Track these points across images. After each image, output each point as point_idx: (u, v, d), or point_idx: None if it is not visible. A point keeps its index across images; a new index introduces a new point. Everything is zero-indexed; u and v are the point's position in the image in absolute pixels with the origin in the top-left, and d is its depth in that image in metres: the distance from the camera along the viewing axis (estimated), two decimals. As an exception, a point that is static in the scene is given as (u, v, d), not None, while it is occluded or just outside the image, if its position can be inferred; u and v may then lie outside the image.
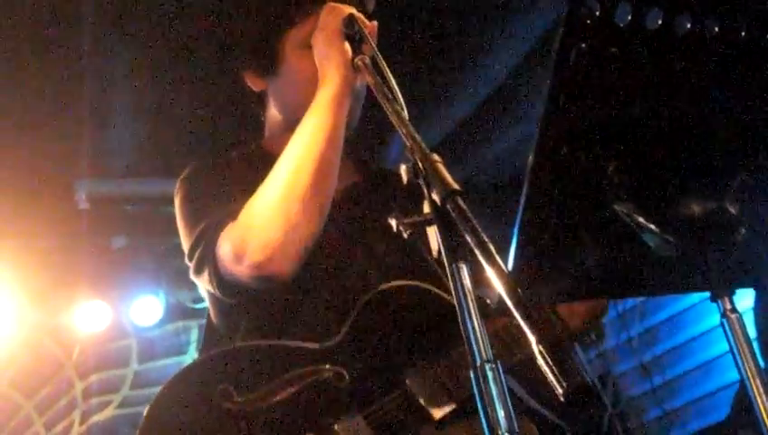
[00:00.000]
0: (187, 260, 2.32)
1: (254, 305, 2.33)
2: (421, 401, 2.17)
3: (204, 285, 2.30)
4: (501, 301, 1.33)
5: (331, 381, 2.15)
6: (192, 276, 2.32)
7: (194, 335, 6.48)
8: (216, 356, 2.23)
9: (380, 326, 2.25)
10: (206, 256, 2.24)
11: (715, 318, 1.76)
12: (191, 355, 6.42)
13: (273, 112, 2.59)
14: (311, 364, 2.17)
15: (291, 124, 2.41)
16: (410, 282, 2.31)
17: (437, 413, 2.16)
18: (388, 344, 2.24)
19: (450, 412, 2.16)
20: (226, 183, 2.37)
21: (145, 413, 2.07)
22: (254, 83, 2.58)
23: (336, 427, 2.10)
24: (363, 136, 2.55)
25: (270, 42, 2.50)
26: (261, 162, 2.38)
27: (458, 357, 2.22)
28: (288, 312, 2.31)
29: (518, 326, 1.30)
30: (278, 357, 2.18)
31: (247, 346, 2.26)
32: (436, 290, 2.29)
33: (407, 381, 2.20)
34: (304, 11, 2.43)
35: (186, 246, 2.33)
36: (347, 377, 2.16)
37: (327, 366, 2.17)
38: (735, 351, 1.72)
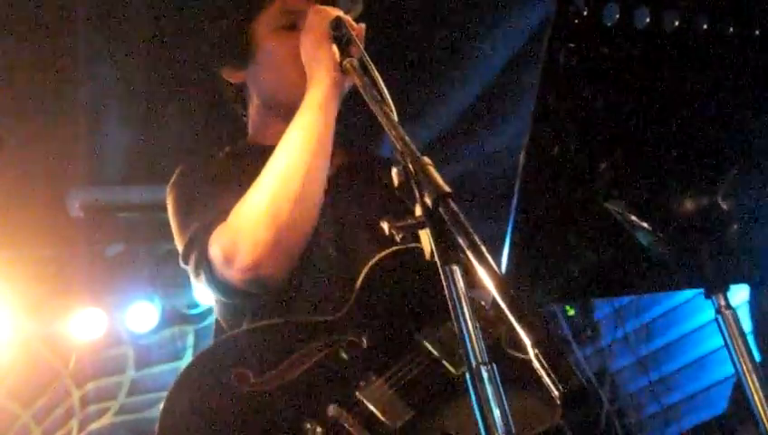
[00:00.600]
0: (182, 263, 2.31)
1: (258, 299, 2.31)
2: (440, 357, 2.16)
3: (204, 287, 2.29)
4: (494, 303, 1.33)
5: (346, 350, 2.13)
6: (192, 280, 2.32)
7: (190, 341, 6.47)
8: (227, 341, 2.20)
9: (388, 290, 2.23)
10: (200, 260, 2.23)
11: (710, 313, 1.76)
12: (188, 361, 6.39)
13: (256, 102, 2.58)
14: (323, 336, 2.14)
15: (275, 108, 2.43)
16: (411, 244, 2.29)
17: (458, 368, 2.15)
18: (398, 307, 2.22)
19: None
20: (215, 183, 2.35)
21: (162, 408, 2.02)
22: (232, 77, 2.57)
23: (358, 393, 2.08)
24: (356, 132, 2.54)
25: (242, 30, 2.50)
26: (249, 156, 2.38)
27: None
28: (293, 289, 2.29)
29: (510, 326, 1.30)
30: (290, 334, 2.15)
31: (257, 327, 2.22)
32: None
33: (422, 341, 2.18)
34: None
35: (180, 249, 2.33)
36: (361, 344, 2.15)
37: (340, 336, 2.15)
38: (731, 347, 1.72)
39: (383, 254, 2.26)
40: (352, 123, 2.52)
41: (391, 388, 2.11)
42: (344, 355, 2.13)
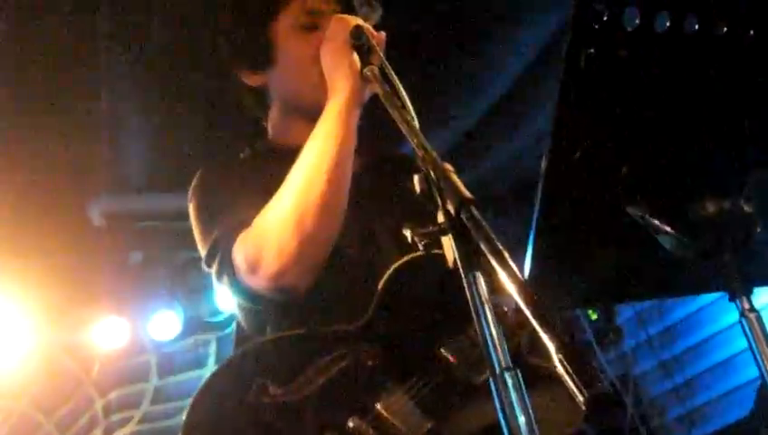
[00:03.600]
0: (205, 267, 2.32)
1: (280, 304, 2.31)
2: (460, 367, 2.15)
3: (227, 291, 2.30)
4: (518, 309, 1.33)
5: (365, 362, 2.12)
6: (215, 282, 2.32)
7: (212, 348, 6.48)
8: (247, 352, 2.20)
9: (408, 299, 2.22)
10: (224, 265, 2.24)
11: (734, 315, 1.75)
12: (210, 368, 6.42)
13: (277, 104, 2.57)
14: (343, 347, 2.14)
15: (297, 109, 2.43)
16: (431, 251, 2.28)
17: (478, 378, 2.14)
18: (418, 316, 2.22)
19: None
20: (238, 185, 2.36)
21: (184, 418, 2.04)
22: (252, 80, 2.55)
23: (378, 406, 2.07)
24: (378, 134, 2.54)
25: (262, 33, 2.49)
26: (273, 157, 2.38)
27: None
28: (313, 299, 2.28)
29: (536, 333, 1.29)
30: (309, 344, 2.15)
31: (277, 338, 2.23)
32: None
33: (442, 350, 2.18)
34: None
35: (202, 253, 2.33)
36: (381, 355, 2.14)
37: (359, 347, 2.14)
38: (755, 350, 1.71)
39: (402, 262, 2.25)
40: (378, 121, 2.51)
41: (411, 399, 2.10)
42: (364, 367, 2.13)
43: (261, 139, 2.64)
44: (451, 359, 2.16)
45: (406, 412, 2.08)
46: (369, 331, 2.18)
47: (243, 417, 2.03)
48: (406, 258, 2.25)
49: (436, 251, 2.21)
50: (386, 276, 2.23)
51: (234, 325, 2.57)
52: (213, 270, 2.29)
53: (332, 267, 2.26)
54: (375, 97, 2.17)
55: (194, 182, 2.45)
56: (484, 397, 2.12)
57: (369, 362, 2.13)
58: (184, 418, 2.04)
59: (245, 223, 2.21)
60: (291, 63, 2.48)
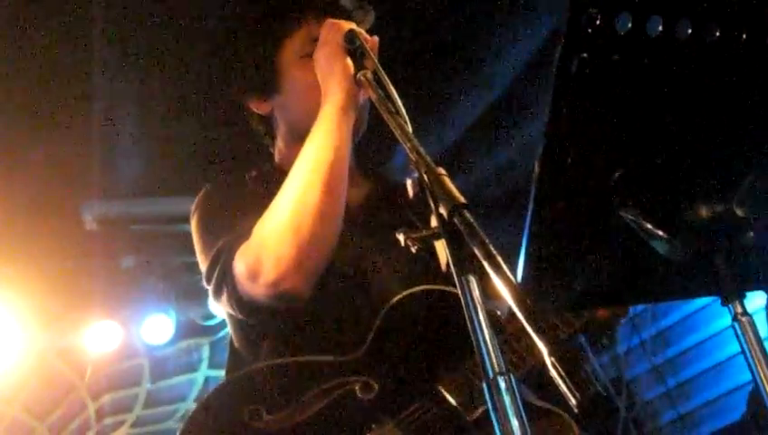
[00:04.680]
0: (204, 283, 2.32)
1: (276, 324, 2.32)
2: (453, 402, 2.17)
3: (224, 307, 2.30)
4: (511, 313, 1.33)
5: (359, 392, 2.15)
6: (212, 300, 2.32)
7: (205, 352, 6.48)
8: (242, 377, 2.23)
9: (405, 332, 2.24)
10: (224, 278, 2.24)
11: (727, 319, 1.75)
12: (203, 372, 6.42)
13: (283, 130, 2.58)
14: (338, 377, 2.16)
15: (302, 136, 2.43)
16: (431, 286, 2.29)
17: (472, 414, 2.15)
18: (415, 350, 2.24)
19: (484, 411, 2.15)
20: (241, 204, 2.36)
21: None
22: (259, 108, 2.56)
23: None
24: (368, 146, 2.54)
25: (268, 61, 2.50)
26: (277, 181, 2.39)
27: None
28: (310, 327, 2.30)
29: (528, 336, 1.29)
30: (304, 373, 2.18)
31: (272, 365, 2.25)
32: (456, 290, 2.27)
33: (437, 385, 2.19)
34: (295, 21, 2.44)
35: (203, 267, 2.33)
36: (375, 386, 2.16)
37: (354, 377, 2.16)
38: (748, 354, 1.71)
39: (403, 294, 2.27)
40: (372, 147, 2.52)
41: (402, 432, 2.11)
42: (357, 397, 2.15)
43: (268, 162, 2.64)
44: (445, 394, 2.17)
45: None
46: (365, 361, 2.21)
47: None
48: (405, 292, 2.26)
49: (436, 287, 2.25)
50: (384, 309, 2.25)
51: (228, 333, 2.56)
52: (211, 286, 2.30)
53: (331, 291, 2.27)
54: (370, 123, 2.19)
55: (198, 198, 2.46)
56: (476, 433, 2.14)
57: (363, 394, 2.15)
58: None
59: (245, 236, 2.21)
60: (296, 91, 2.48)
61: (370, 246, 2.45)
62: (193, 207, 2.44)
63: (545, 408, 2.21)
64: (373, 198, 2.59)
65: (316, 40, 2.41)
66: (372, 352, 2.21)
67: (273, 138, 2.62)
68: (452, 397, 2.17)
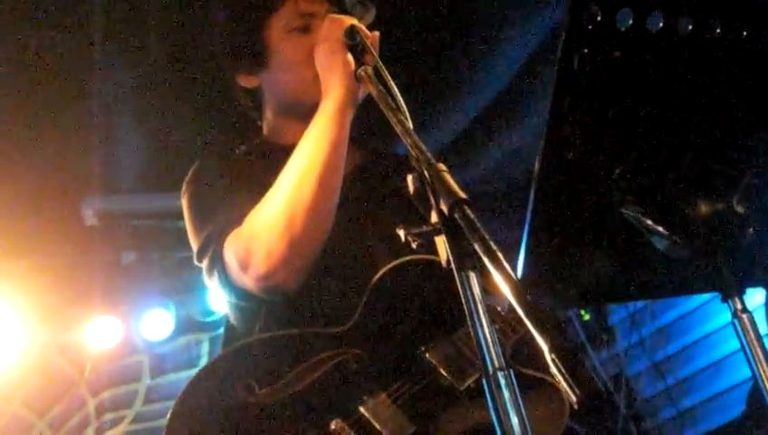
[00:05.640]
0: (196, 261, 2.34)
1: (268, 302, 2.32)
2: (444, 372, 2.17)
3: (216, 288, 2.31)
4: (511, 308, 1.33)
5: (350, 364, 2.15)
6: (205, 279, 2.33)
7: (205, 348, 6.48)
8: (235, 351, 2.22)
9: (394, 303, 2.25)
10: (215, 263, 2.25)
11: (727, 315, 1.76)
12: (203, 368, 6.42)
13: (272, 104, 2.59)
14: (329, 350, 2.16)
15: (291, 110, 2.46)
16: (419, 256, 2.28)
17: (462, 383, 2.16)
18: (404, 320, 2.24)
19: (475, 381, 2.16)
20: (231, 182, 2.38)
21: (169, 416, 2.05)
22: (247, 82, 2.58)
23: (361, 408, 2.09)
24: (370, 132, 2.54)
25: (255, 35, 2.51)
26: (266, 155, 2.40)
27: None
28: (302, 300, 2.30)
29: (531, 337, 1.29)
30: (295, 346, 2.17)
31: (264, 338, 2.25)
32: None
33: (427, 355, 2.20)
34: None
35: (194, 248, 2.35)
36: (366, 358, 2.16)
37: (345, 349, 2.17)
38: (748, 350, 1.72)
39: (389, 267, 2.27)
40: (367, 123, 2.51)
41: (394, 402, 2.12)
42: (349, 369, 2.15)
43: (257, 137, 2.65)
44: (436, 364, 2.18)
45: (388, 416, 2.10)
46: (355, 334, 2.20)
47: (227, 415, 2.05)
48: (393, 263, 2.27)
49: (424, 256, 2.24)
50: (373, 281, 2.25)
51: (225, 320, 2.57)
52: (204, 265, 2.31)
53: (322, 266, 2.27)
54: (369, 97, 2.18)
55: (188, 176, 2.47)
56: (467, 402, 2.15)
57: (354, 365, 2.15)
58: (168, 415, 2.05)
59: (237, 221, 2.22)
60: (284, 65, 2.49)
61: (360, 217, 2.46)
62: (183, 186, 2.45)
63: (537, 377, 2.22)
64: (365, 168, 2.60)
65: (304, 15, 2.46)
66: (362, 324, 2.21)
67: (262, 111, 2.64)
68: (442, 367, 2.17)
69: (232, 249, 2.20)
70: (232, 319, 2.48)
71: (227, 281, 2.25)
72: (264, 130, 2.64)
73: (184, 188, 2.46)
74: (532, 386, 2.19)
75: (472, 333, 1.44)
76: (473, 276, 1.45)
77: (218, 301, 5.82)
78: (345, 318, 2.23)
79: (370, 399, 2.11)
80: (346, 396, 2.11)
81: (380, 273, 2.26)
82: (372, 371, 2.16)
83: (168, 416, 2.05)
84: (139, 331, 6.01)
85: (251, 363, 2.13)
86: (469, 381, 2.17)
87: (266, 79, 2.56)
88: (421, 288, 2.27)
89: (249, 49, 2.52)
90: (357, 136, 2.55)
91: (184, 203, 2.43)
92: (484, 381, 1.40)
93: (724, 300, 1.75)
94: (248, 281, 2.18)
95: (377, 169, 2.64)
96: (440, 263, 2.24)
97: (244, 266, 2.17)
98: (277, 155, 2.31)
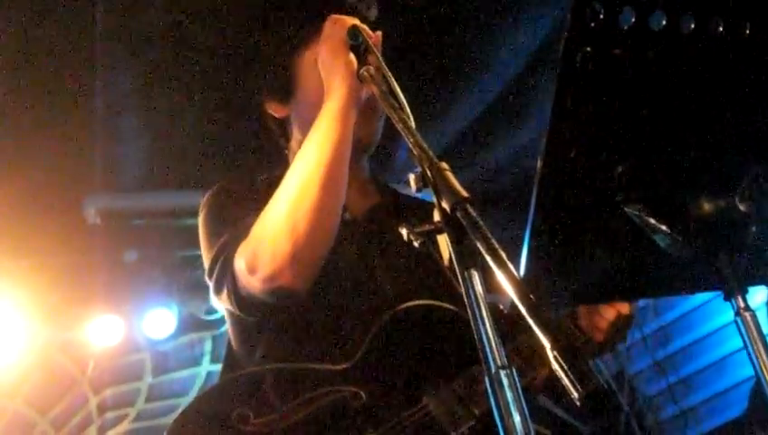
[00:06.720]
0: (206, 278, 2.33)
1: (272, 326, 2.34)
2: (438, 418, 2.18)
3: (224, 304, 2.31)
4: (513, 307, 1.33)
5: (347, 401, 2.16)
6: (213, 298, 2.34)
7: (207, 347, 6.49)
8: (233, 380, 2.25)
9: (398, 346, 2.25)
10: (224, 274, 2.25)
11: (729, 314, 1.76)
12: (205, 367, 6.43)
13: (297, 136, 2.58)
14: (327, 385, 2.18)
15: None
16: (428, 301, 2.31)
17: (454, 430, 2.17)
18: (406, 363, 2.25)
19: (468, 429, 2.18)
20: (249, 204, 2.36)
21: None
22: (276, 111, 2.58)
23: None
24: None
25: (287, 65, 2.51)
26: None
27: (478, 372, 2.22)
28: (305, 333, 2.31)
29: (537, 339, 1.29)
30: (294, 379, 2.19)
31: (264, 370, 2.26)
32: (454, 308, 2.28)
33: (423, 399, 2.21)
34: (316, 30, 2.43)
35: (205, 263, 2.35)
36: (364, 397, 2.17)
37: (344, 387, 2.18)
38: (750, 349, 1.71)
39: (397, 309, 2.27)
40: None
41: None
42: (344, 406, 2.17)
43: (281, 167, 2.64)
44: (431, 408, 2.19)
45: None
46: (355, 373, 2.22)
47: None
48: (401, 307, 2.27)
49: (430, 302, 2.26)
50: (379, 322, 2.26)
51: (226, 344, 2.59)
52: (212, 281, 2.31)
53: (327, 299, 2.29)
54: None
55: (207, 195, 2.48)
56: None
57: (350, 404, 2.17)
58: None
59: (247, 233, 2.22)
60: (310, 96, 2.45)
61: (372, 255, 2.46)
62: (201, 204, 2.45)
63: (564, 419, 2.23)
64: (381, 208, 2.60)
65: None
66: (364, 364, 2.22)
67: (288, 140, 2.63)
68: (437, 411, 2.18)
69: (241, 256, 2.20)
70: (234, 343, 2.49)
71: (236, 290, 2.24)
72: (290, 160, 2.63)
73: (201, 204, 2.47)
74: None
75: (474, 332, 1.44)
76: (475, 275, 1.45)
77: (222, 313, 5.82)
78: (347, 354, 2.24)
79: None
80: (337, 432, 2.13)
81: (388, 314, 2.27)
82: (368, 410, 2.17)
83: None
84: (141, 329, 6.03)
85: (247, 393, 2.15)
86: (462, 429, 2.18)
87: (294, 110, 2.56)
88: (427, 333, 2.28)
89: (279, 79, 2.53)
90: (379, 177, 2.57)
91: (200, 220, 2.44)
92: (486, 380, 1.40)
93: (727, 298, 1.75)
94: (256, 284, 2.17)
95: (393, 211, 2.63)
96: (450, 310, 2.26)
97: (252, 270, 2.16)
98: None
